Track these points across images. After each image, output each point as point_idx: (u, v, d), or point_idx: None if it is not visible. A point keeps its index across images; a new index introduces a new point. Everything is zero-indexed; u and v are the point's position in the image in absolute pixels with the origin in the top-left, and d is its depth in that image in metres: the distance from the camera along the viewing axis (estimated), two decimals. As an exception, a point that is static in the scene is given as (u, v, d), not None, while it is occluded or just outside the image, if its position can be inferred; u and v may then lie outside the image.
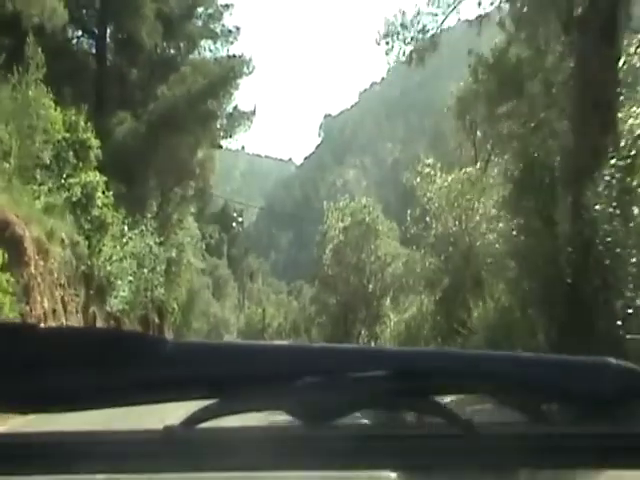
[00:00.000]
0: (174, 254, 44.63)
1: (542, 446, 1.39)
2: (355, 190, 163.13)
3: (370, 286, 46.81)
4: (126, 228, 34.38)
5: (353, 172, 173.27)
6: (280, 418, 1.46)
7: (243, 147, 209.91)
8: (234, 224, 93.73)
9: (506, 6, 23.54)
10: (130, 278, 33.81)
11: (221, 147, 56.60)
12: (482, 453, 1.38)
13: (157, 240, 39.26)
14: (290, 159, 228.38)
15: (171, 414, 1.45)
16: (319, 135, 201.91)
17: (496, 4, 23.81)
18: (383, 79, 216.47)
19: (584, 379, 1.42)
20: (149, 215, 39.41)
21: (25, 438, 1.41)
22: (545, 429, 1.45)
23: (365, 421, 1.60)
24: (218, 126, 44.94)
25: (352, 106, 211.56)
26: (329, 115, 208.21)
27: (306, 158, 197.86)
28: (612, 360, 1.41)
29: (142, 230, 36.62)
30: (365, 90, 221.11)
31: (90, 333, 1.57)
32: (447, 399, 1.52)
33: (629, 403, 1.40)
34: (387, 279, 46.25)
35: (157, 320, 47.34)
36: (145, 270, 36.87)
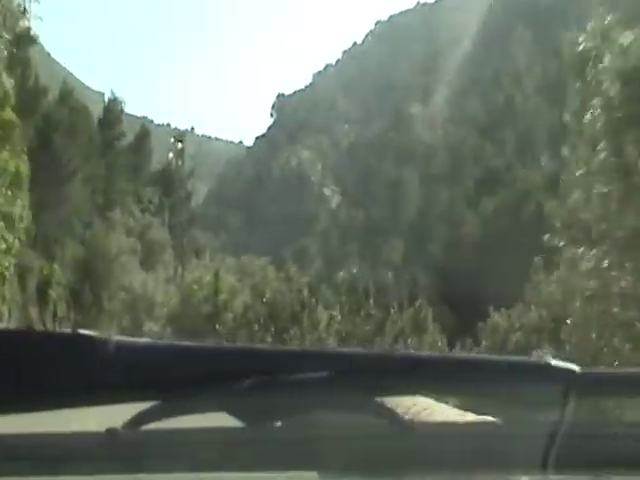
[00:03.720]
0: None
1: (484, 446, 1.43)
2: (310, 171, 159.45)
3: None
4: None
5: (308, 153, 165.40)
6: (223, 420, 1.44)
7: (192, 128, 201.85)
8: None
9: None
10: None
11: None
12: (423, 453, 1.42)
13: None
14: (241, 141, 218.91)
15: (113, 416, 1.41)
16: (271, 115, 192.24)
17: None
18: (338, 61, 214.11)
19: (525, 379, 1.43)
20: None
21: None
22: (487, 429, 1.56)
23: (307, 422, 1.55)
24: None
25: (306, 87, 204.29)
26: (282, 95, 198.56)
27: (258, 138, 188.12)
28: (552, 360, 1.42)
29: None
30: (319, 72, 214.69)
31: (28, 334, 1.51)
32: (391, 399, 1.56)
33: (569, 402, 1.39)
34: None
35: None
36: None
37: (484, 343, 34.60)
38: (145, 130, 78.00)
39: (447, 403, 5.55)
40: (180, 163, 72.66)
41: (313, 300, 36.66)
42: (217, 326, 38.33)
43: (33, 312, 51.94)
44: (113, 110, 70.76)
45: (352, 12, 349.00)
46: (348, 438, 1.41)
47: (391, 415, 1.42)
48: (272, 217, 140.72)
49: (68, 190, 56.17)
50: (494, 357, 1.61)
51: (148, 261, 59.26)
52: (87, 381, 1.30)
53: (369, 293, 37.30)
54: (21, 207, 42.42)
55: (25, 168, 40.72)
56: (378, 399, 1.42)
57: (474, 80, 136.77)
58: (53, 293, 52.86)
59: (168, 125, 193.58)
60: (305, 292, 37.24)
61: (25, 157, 40.49)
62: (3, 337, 1.40)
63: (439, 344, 36.78)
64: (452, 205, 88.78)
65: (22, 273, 49.64)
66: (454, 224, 78.47)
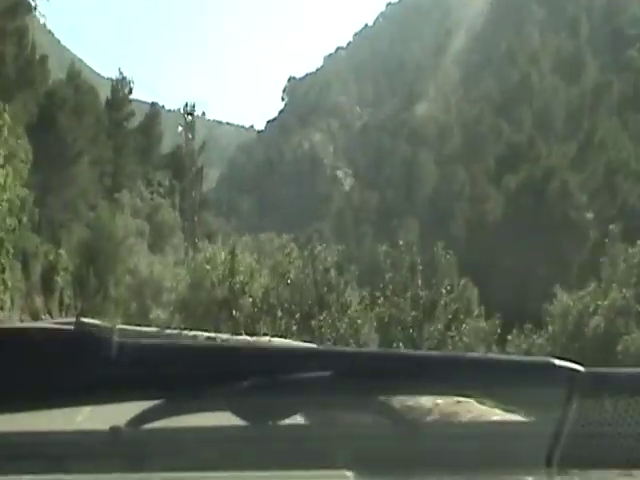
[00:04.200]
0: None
1: (488, 445, 1.45)
2: (322, 154, 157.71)
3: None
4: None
5: (319, 135, 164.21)
6: (226, 419, 1.45)
7: (203, 113, 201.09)
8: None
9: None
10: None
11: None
12: (427, 452, 1.43)
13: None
14: (252, 126, 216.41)
15: (116, 414, 1.42)
16: (282, 99, 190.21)
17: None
18: (350, 43, 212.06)
19: (529, 379, 1.44)
20: None
21: None
22: (491, 428, 1.59)
23: (310, 421, 1.60)
24: None
25: (317, 69, 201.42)
26: (293, 78, 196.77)
27: (269, 122, 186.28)
28: (556, 360, 1.44)
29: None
30: (330, 55, 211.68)
31: (31, 332, 1.47)
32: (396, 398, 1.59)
33: (573, 402, 1.41)
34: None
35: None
36: None
37: (550, 328, 30.68)
38: (155, 111, 75.06)
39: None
40: (190, 137, 68.32)
41: (342, 281, 32.23)
42: (233, 312, 32.83)
43: (38, 300, 49.24)
44: (121, 90, 67.81)
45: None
46: (351, 437, 1.44)
47: (394, 415, 1.43)
48: (284, 201, 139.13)
49: (74, 172, 53.29)
50: (498, 356, 1.60)
51: (157, 244, 55.55)
52: (90, 380, 1.29)
53: (415, 270, 31.55)
54: (20, 188, 39.92)
55: (24, 146, 38.20)
56: (381, 398, 1.43)
57: (487, 59, 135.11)
58: (59, 280, 50.03)
59: (179, 110, 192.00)
60: (332, 272, 32.20)
61: (23, 135, 38.02)
62: (4, 334, 1.39)
63: (497, 330, 31.93)
64: (472, 183, 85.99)
65: (26, 259, 46.91)
66: (475, 202, 75.96)
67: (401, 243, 33.76)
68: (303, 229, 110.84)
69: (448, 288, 31.61)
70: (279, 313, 31.62)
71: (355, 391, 1.39)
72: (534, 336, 30.11)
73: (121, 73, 69.04)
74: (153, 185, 62.01)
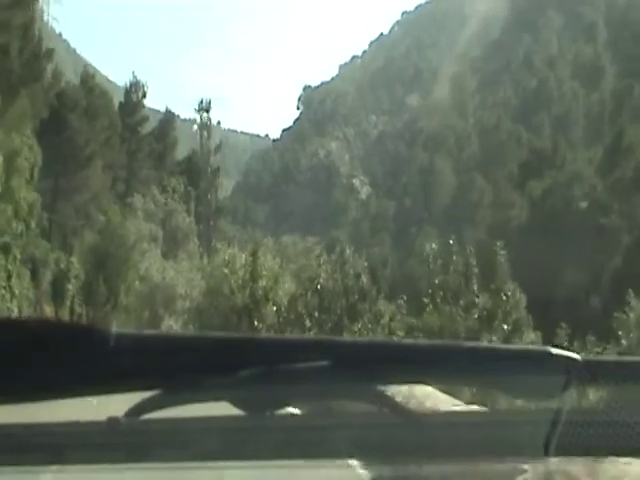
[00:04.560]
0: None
1: (486, 434, 1.46)
2: (339, 162, 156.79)
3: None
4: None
5: (335, 144, 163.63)
6: (224, 409, 1.46)
7: (218, 122, 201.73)
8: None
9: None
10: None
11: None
12: (425, 441, 1.44)
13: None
14: (267, 135, 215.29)
15: (115, 405, 1.44)
16: (298, 108, 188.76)
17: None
18: (365, 52, 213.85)
19: (527, 368, 1.44)
20: None
21: None
22: (489, 417, 1.62)
23: (309, 411, 1.60)
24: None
25: (333, 78, 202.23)
26: (309, 86, 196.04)
27: (284, 130, 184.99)
28: (553, 349, 1.44)
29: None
30: (345, 63, 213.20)
31: (31, 324, 1.49)
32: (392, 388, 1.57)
33: (571, 390, 1.42)
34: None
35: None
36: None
37: (624, 342, 26.00)
38: (170, 116, 72.76)
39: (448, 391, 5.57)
40: (206, 135, 65.34)
41: (374, 288, 28.89)
42: (255, 322, 29.06)
43: (48, 309, 47.04)
44: (135, 94, 65.62)
45: (378, 3, 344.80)
46: (350, 426, 1.43)
47: (393, 404, 1.43)
48: (300, 209, 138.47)
49: (86, 175, 51.14)
50: (496, 345, 1.93)
51: (170, 250, 51.75)
52: (89, 371, 1.29)
53: (470, 274, 27.36)
54: (27, 190, 37.86)
55: (28, 143, 36.11)
56: (379, 387, 1.43)
57: (505, 66, 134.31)
58: (71, 288, 47.77)
59: (194, 120, 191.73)
60: (364, 278, 28.84)
61: (30, 134, 35.90)
62: (5, 326, 1.38)
63: (564, 342, 25.54)
64: (495, 189, 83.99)
65: (35, 266, 44.71)
66: (499, 208, 73.90)
67: (451, 242, 29.70)
68: (320, 237, 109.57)
69: (509, 294, 28.09)
70: (307, 323, 28.37)
71: (353, 380, 1.37)
72: (602, 349, 25.70)
73: (135, 76, 66.72)
74: (168, 191, 59.72)
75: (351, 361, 1.37)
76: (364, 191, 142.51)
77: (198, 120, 64.62)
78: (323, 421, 1.48)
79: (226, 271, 32.31)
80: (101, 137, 54.39)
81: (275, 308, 29.90)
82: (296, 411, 1.47)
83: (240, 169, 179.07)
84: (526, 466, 1.45)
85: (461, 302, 27.67)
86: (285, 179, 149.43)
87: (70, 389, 1.34)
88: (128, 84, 66.56)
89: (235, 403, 1.38)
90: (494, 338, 25.97)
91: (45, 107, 46.18)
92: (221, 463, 1.42)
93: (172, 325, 36.86)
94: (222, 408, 1.42)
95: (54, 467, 1.36)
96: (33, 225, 40.29)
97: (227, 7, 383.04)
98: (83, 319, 49.96)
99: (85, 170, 51.13)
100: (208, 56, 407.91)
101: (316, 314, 28.33)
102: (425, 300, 27.86)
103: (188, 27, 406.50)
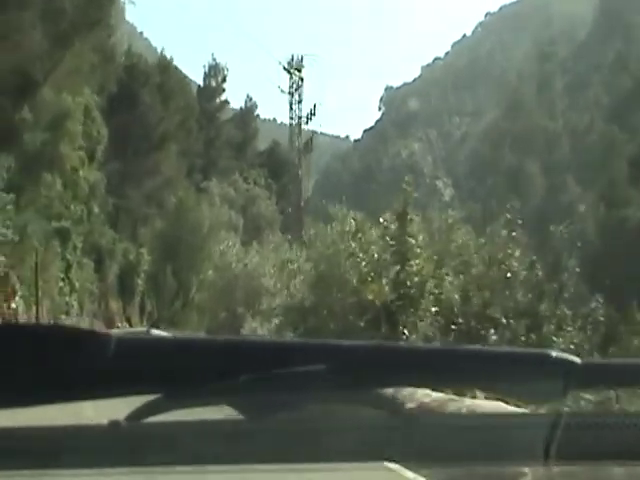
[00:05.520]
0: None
1: (485, 437, 1.44)
2: (422, 163, 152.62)
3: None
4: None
5: (418, 145, 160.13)
6: (225, 413, 1.47)
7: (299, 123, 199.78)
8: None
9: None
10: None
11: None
12: (423, 444, 1.42)
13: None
14: (347, 136, 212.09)
15: (116, 409, 1.45)
16: (379, 109, 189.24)
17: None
18: (447, 53, 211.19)
19: (526, 371, 1.43)
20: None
21: None
22: (488, 420, 1.57)
23: (308, 414, 1.55)
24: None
25: (415, 79, 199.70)
26: (390, 87, 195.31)
27: (366, 131, 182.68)
28: (553, 352, 1.43)
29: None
30: (428, 65, 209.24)
31: (32, 328, 1.54)
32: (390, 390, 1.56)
33: (570, 394, 1.42)
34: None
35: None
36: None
37: None
38: (251, 104, 67.27)
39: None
40: (298, 99, 57.28)
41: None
42: (404, 331, 18.40)
43: (114, 305, 41.67)
44: (214, 78, 60.21)
45: (461, 4, 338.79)
46: (349, 430, 1.43)
47: (392, 406, 1.43)
48: (383, 210, 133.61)
49: (158, 158, 45.62)
50: (495, 348, 1.66)
51: (252, 239, 40.92)
52: (89, 374, 1.29)
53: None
54: (88, 169, 32.54)
55: (90, 113, 30.94)
56: (379, 391, 1.42)
57: (595, 66, 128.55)
58: (140, 283, 42.34)
59: (274, 120, 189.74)
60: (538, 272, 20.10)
61: (90, 100, 30.60)
62: (5, 331, 1.38)
63: None
64: (610, 188, 77.94)
65: (100, 257, 39.35)
66: (612, 206, 67.90)
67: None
68: None
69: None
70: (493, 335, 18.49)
71: (352, 384, 1.36)
72: None
73: (214, 59, 60.98)
74: (249, 183, 54.40)
75: (350, 364, 1.35)
76: (447, 193, 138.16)
77: (288, 80, 54.46)
78: (323, 425, 1.43)
79: (343, 247, 21.72)
80: (176, 118, 48.93)
81: (435, 310, 19.23)
82: (296, 415, 1.41)
83: (319, 169, 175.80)
84: (526, 470, 1.44)
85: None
86: (366, 179, 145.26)
87: (71, 393, 1.31)
88: (207, 67, 61.18)
89: (235, 407, 1.38)
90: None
91: (112, 79, 40.84)
92: (221, 467, 1.41)
93: (257, 329, 29.03)
94: (222, 412, 1.43)
95: (54, 471, 1.32)
96: (96, 209, 34.99)
97: (310, 12, 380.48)
98: (155, 317, 44.72)
99: (157, 152, 45.55)
100: (287, 56, 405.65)
101: (511, 318, 18.93)
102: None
103: (270, 28, 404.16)
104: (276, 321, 26.78)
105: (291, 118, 55.62)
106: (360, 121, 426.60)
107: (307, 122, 56.96)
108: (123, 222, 44.79)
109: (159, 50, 66.05)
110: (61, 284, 32.75)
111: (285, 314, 25.29)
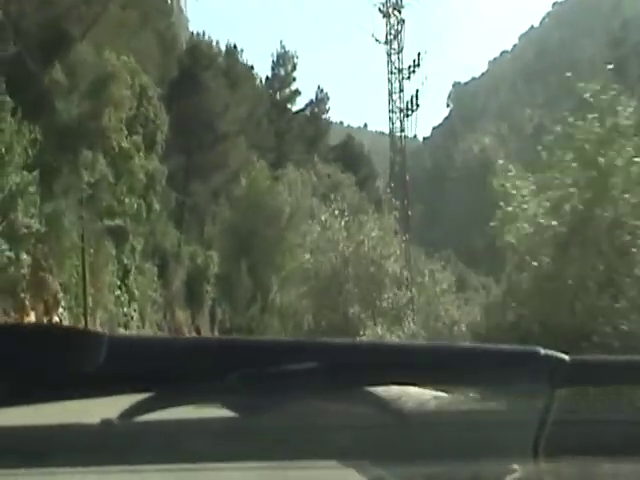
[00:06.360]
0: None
1: (475, 434, 1.47)
2: (494, 157, 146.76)
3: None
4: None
5: (489, 139, 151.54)
6: (216, 411, 1.49)
7: (365, 124, 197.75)
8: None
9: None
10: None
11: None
12: (414, 441, 1.46)
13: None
14: (415, 136, 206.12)
15: (108, 408, 1.46)
16: (447, 105, 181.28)
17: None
18: (515, 45, 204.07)
19: (515, 368, 1.45)
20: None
21: None
22: (478, 417, 1.60)
23: (300, 413, 1.60)
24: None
25: (482, 74, 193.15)
26: (458, 83, 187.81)
27: (435, 128, 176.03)
28: (541, 349, 1.44)
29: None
30: (495, 59, 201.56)
31: (25, 328, 1.56)
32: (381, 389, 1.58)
33: (558, 391, 1.44)
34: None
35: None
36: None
37: None
38: (323, 96, 62.16)
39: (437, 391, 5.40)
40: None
41: None
42: None
43: (181, 315, 36.80)
44: (284, 67, 55.31)
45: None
46: (340, 428, 1.44)
47: (382, 404, 1.43)
48: (457, 206, 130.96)
49: (225, 149, 40.76)
50: (484, 345, 1.57)
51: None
52: (82, 374, 1.29)
53: None
54: (145, 155, 27.82)
55: (140, 78, 26.39)
56: (370, 389, 1.43)
57: None
58: (210, 290, 37.43)
59: (341, 123, 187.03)
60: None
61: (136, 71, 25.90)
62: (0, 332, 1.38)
63: None
64: None
65: (164, 261, 34.60)
66: None
67: None
68: (479, 235, 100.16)
69: None
70: None
71: (343, 382, 1.37)
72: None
73: (283, 47, 55.90)
74: (322, 179, 49.75)
75: (343, 363, 1.35)
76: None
77: (385, 27, 45.40)
78: (316, 423, 1.45)
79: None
80: (243, 107, 44.08)
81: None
82: (287, 413, 1.43)
83: (389, 170, 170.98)
84: (515, 466, 1.43)
85: None
86: (438, 177, 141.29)
87: (63, 392, 1.30)
88: (275, 55, 56.30)
89: (228, 405, 1.40)
90: None
91: (173, 61, 36.22)
92: (214, 465, 1.42)
93: (384, 338, 20.21)
94: (214, 410, 1.43)
95: (47, 469, 1.34)
96: (157, 206, 30.10)
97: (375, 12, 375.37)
98: (226, 326, 39.89)
99: (224, 143, 40.62)
100: (357, 61, 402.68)
101: None
102: None
103: (334, 29, 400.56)
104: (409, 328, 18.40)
105: (390, 73, 46.83)
106: (428, 119, 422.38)
107: (409, 76, 47.17)
108: (188, 221, 40.16)
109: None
110: (117, 292, 28.22)
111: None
